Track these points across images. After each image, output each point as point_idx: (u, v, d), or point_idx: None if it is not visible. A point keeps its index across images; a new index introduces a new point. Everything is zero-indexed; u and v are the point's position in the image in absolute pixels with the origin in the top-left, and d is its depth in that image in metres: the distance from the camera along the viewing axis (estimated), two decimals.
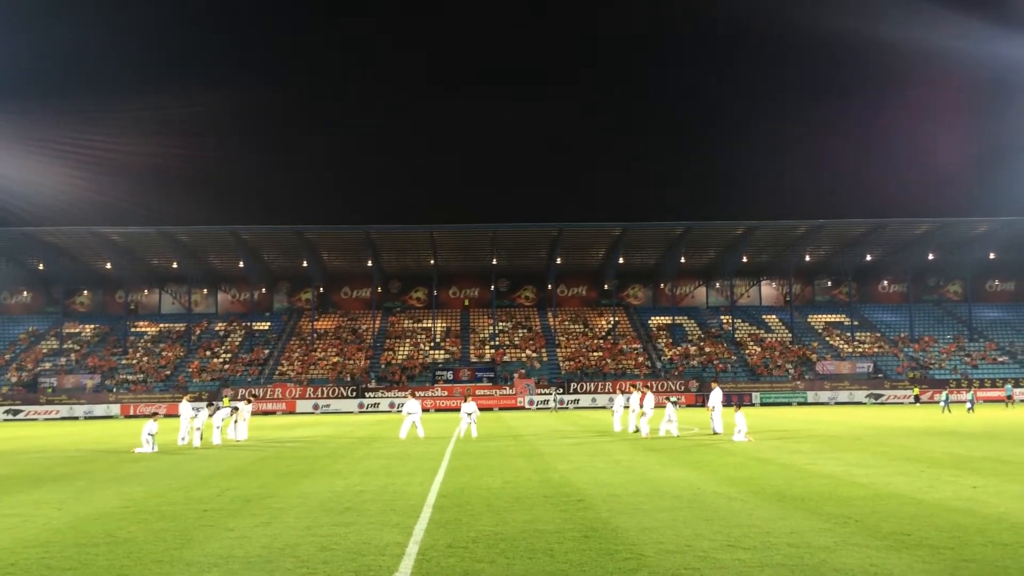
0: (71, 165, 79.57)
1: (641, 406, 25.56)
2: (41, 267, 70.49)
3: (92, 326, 74.81)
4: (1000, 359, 68.48)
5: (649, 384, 41.20)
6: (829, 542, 8.62)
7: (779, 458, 17.83)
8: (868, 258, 71.54)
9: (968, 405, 44.48)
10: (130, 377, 65.48)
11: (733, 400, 56.45)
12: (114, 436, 32.25)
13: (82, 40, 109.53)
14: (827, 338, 72.91)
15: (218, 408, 26.75)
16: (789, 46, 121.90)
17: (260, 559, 8.24)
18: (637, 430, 25.90)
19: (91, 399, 61.68)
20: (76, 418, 59.25)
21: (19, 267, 71.71)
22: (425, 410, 59.01)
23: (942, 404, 44.72)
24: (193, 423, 25.54)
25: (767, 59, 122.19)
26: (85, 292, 78.28)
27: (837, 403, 61.33)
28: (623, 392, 32.26)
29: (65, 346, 70.55)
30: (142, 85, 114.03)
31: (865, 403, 61.26)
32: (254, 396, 35.31)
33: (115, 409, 60.60)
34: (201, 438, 25.29)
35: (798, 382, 64.24)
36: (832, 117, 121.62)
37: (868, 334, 73.34)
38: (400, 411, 27.03)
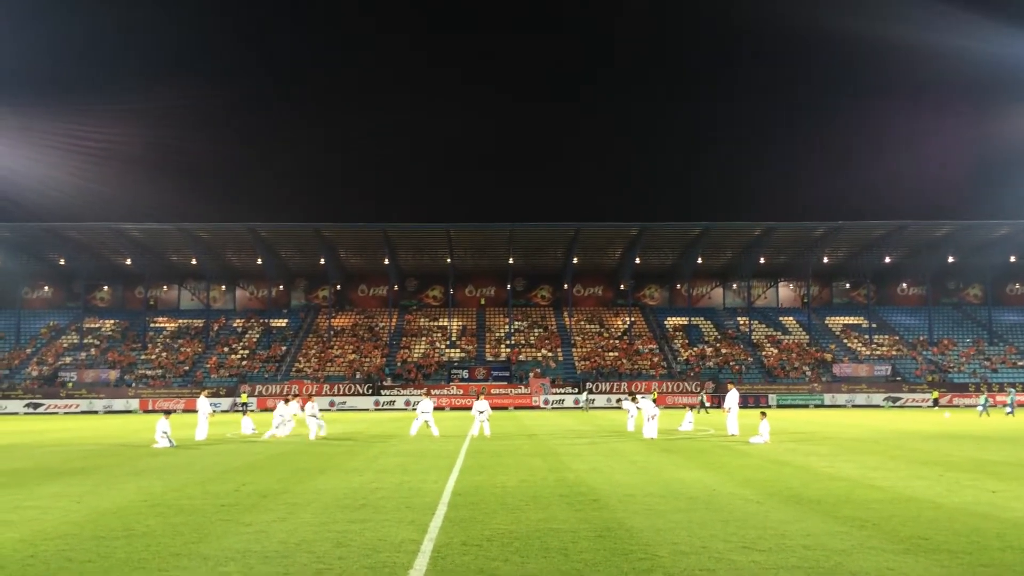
0: (87, 160, 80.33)
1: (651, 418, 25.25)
2: (62, 262, 71.14)
3: (112, 321, 75.44)
4: (1020, 363, 67.78)
5: (649, 387, 41.54)
6: (845, 545, 8.58)
7: (795, 460, 17.75)
8: (887, 260, 71.03)
9: (1008, 409, 44.00)
10: (149, 372, 65.97)
11: (750, 402, 56.30)
12: (133, 431, 32.50)
13: (96, 36, 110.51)
14: (845, 340, 72.46)
15: (288, 401, 26.71)
16: (808, 47, 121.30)
17: (277, 554, 8.30)
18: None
19: (111, 394, 62.22)
20: (96, 412, 59.77)
21: (40, 262, 72.39)
22: (440, 408, 59.19)
23: (980, 408, 43.76)
24: (274, 419, 25.79)
25: (786, 60, 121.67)
26: (105, 287, 78.94)
27: (854, 406, 60.91)
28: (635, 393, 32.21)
29: (85, 341, 71.18)
30: (157, 81, 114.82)
31: (883, 406, 60.81)
32: (295, 395, 35.03)
33: (134, 404, 61.09)
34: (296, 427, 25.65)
35: (815, 384, 63.88)
36: (851, 118, 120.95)
37: (886, 337, 72.83)
38: (415, 409, 27.17)
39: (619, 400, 60.09)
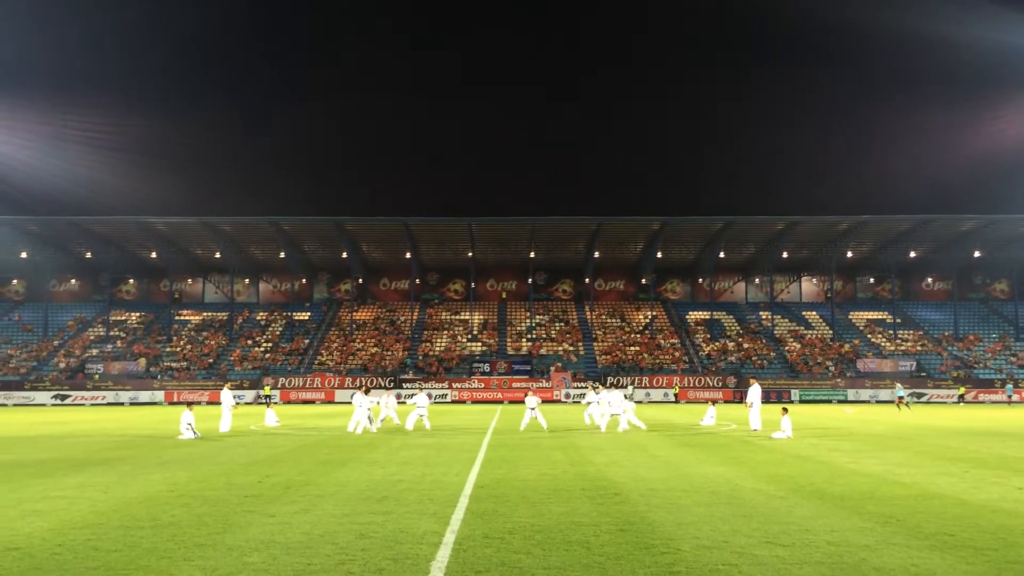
0: (110, 154, 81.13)
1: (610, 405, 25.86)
2: (89, 255, 71.90)
3: (138, 314, 76.19)
4: None
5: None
6: (870, 541, 8.52)
7: (819, 456, 17.64)
8: (912, 255, 70.29)
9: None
10: (174, 364, 66.61)
11: (772, 397, 56.02)
12: (158, 422, 32.84)
13: (117, 32, 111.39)
14: (869, 336, 71.83)
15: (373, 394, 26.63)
16: (829, 41, 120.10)
17: (300, 545, 8.36)
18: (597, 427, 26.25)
19: (136, 385, 62.89)
20: (121, 404, 60.45)
21: (67, 256, 73.20)
22: (460, 402, 59.39)
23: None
24: (378, 410, 25.60)
25: (806, 55, 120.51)
26: (131, 280, 79.71)
27: (878, 402, 60.40)
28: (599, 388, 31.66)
29: (111, 333, 71.94)
30: (180, 77, 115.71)
31: (907, 402, 60.24)
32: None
33: (159, 396, 61.71)
34: (373, 420, 25.56)
35: (838, 380, 63.39)
36: (875, 112, 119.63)
37: (911, 332, 72.14)
38: (411, 402, 27.34)
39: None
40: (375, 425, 25.46)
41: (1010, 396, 57.86)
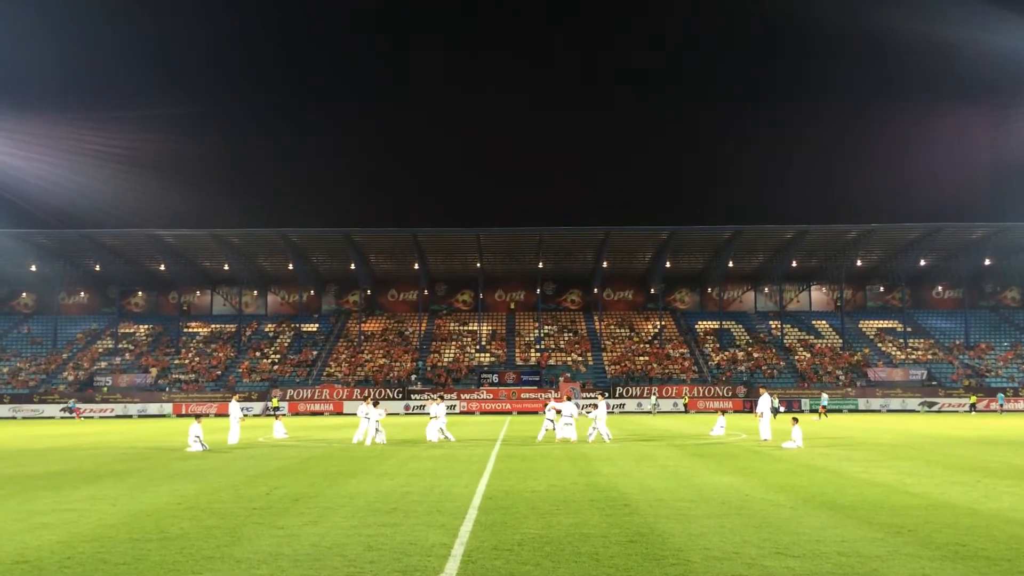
0: (119, 167, 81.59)
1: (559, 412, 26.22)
2: (98, 268, 72.22)
3: (146, 326, 76.41)
4: None
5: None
6: (881, 551, 8.46)
7: (830, 466, 17.54)
8: (922, 263, 69.97)
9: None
10: (182, 377, 66.74)
11: (783, 406, 55.75)
12: (166, 434, 32.90)
13: (126, 45, 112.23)
14: (879, 344, 71.51)
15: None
16: (840, 47, 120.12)
17: (308, 557, 8.34)
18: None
19: (145, 398, 63.03)
20: (130, 416, 60.57)
21: (77, 268, 73.52)
22: (469, 412, 59.35)
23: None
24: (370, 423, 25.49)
25: (817, 61, 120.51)
26: (139, 293, 79.99)
27: (889, 411, 60.10)
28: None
29: (120, 346, 72.15)
30: (187, 88, 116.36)
31: (918, 411, 59.93)
32: (442, 397, 34.01)
33: (168, 408, 61.84)
34: (380, 432, 25.46)
35: (849, 389, 63.10)
36: (885, 119, 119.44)
37: (922, 341, 71.78)
38: (429, 414, 27.22)
39: (640, 403, 60.20)
40: (382, 436, 25.46)
41: (1001, 405, 58.03)
